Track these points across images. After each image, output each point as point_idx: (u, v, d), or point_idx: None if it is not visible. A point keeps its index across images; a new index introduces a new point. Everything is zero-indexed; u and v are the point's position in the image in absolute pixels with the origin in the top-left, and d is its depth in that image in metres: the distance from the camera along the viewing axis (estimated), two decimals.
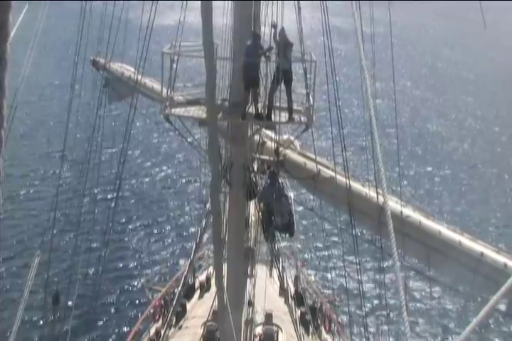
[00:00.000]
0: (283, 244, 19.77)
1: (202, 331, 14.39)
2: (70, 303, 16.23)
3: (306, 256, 27.07)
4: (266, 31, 10.60)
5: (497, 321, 23.19)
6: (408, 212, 10.42)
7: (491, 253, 9.44)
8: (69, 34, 39.02)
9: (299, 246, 26.04)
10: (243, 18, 10.22)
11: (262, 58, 10.08)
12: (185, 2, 10.19)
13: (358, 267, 13.68)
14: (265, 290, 15.91)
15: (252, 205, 13.78)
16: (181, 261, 25.83)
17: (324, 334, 16.64)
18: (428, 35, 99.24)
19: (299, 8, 10.18)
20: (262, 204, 10.82)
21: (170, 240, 28.92)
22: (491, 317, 22.18)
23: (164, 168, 38.00)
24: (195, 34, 7.22)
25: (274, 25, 10.01)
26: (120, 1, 12.37)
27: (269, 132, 11.88)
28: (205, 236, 14.28)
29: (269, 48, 10.09)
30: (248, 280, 13.31)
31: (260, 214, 10.98)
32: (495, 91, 63.27)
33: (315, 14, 10.90)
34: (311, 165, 11.34)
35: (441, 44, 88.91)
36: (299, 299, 16.92)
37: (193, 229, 27.82)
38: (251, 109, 10.37)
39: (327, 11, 10.08)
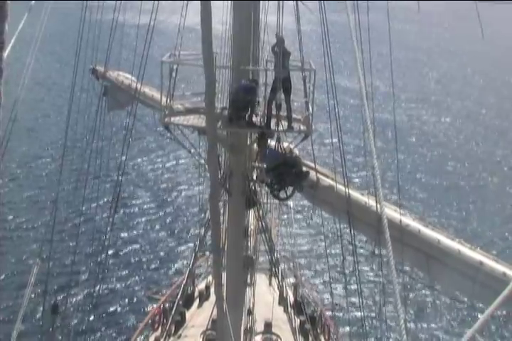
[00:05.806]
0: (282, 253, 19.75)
1: (201, 340, 14.34)
2: (68, 313, 16.15)
3: (305, 265, 27.00)
4: (265, 38, 10.64)
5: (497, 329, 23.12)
6: (407, 220, 10.41)
7: (489, 262, 9.42)
8: (69, 43, 39.24)
9: (299, 254, 25.99)
10: (243, 24, 10.25)
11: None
12: (184, 9, 10.22)
13: (358, 276, 13.64)
14: (265, 298, 15.87)
15: (252, 214, 13.76)
16: (180, 270, 25.76)
17: None
18: (426, 43, 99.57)
19: (299, 17, 10.24)
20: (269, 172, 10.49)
21: (169, 249, 28.86)
22: (489, 326, 22.12)
23: (163, 176, 37.99)
24: (196, 42, 7.25)
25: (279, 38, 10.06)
26: (119, 10, 12.37)
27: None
28: (205, 244, 14.26)
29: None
30: (247, 289, 13.28)
31: (268, 179, 10.55)
32: (497, 97, 63.44)
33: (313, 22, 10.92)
34: (310, 173, 11.33)
35: (441, 51, 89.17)
36: (299, 308, 16.86)
37: (192, 238, 27.78)
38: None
39: (326, 18, 10.13)
